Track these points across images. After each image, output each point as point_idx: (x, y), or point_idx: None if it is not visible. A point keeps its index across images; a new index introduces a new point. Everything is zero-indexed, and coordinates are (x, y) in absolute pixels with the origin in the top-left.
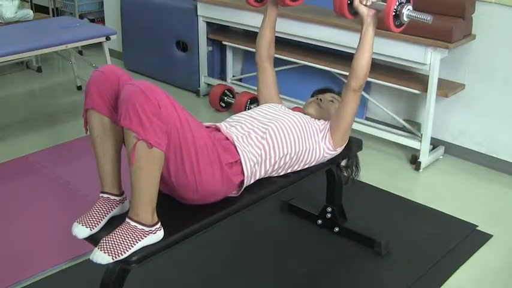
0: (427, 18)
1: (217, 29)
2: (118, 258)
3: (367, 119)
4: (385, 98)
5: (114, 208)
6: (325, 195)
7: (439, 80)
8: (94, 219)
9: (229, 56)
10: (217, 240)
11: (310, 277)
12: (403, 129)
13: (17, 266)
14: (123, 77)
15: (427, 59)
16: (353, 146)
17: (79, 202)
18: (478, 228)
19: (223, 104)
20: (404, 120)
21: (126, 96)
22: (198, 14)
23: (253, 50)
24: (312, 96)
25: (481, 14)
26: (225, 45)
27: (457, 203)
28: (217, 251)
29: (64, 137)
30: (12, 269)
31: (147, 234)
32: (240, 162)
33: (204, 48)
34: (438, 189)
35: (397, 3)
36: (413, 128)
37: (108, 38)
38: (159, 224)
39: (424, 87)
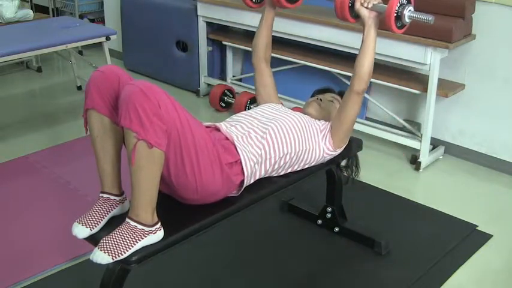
0: (429, 18)
1: (217, 29)
2: (118, 258)
3: (367, 119)
4: (385, 98)
5: (114, 208)
6: (325, 195)
7: (439, 80)
8: (94, 219)
9: (229, 56)
10: (217, 240)
11: (310, 277)
12: (403, 129)
13: (17, 266)
14: (123, 77)
15: (427, 59)
16: (353, 146)
17: (79, 202)
18: (478, 228)
19: (223, 104)
20: (404, 120)
21: (127, 96)
22: (198, 14)
23: None
24: (312, 96)
25: (481, 14)
26: (225, 45)
27: (457, 203)
28: (217, 251)
29: (64, 137)
30: (12, 269)
31: (147, 234)
32: (240, 162)
33: (204, 48)
34: (438, 189)
35: (398, 5)
36: (413, 128)
37: (108, 38)
38: (159, 224)
39: (424, 87)
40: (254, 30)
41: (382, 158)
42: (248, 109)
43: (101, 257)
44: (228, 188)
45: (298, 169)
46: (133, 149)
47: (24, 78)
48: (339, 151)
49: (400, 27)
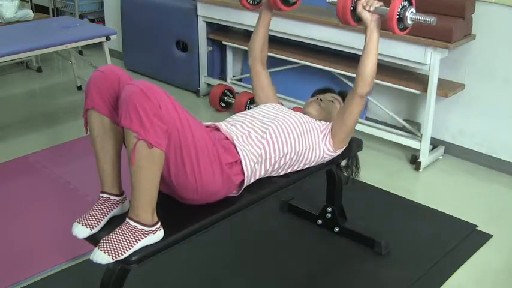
0: (431, 20)
1: (217, 29)
2: (118, 258)
3: (367, 119)
4: (385, 98)
5: (114, 208)
6: (325, 195)
7: (439, 80)
8: (94, 219)
9: (229, 56)
10: (217, 240)
11: (310, 277)
12: (403, 129)
13: (17, 266)
14: (123, 77)
15: (427, 59)
16: (353, 146)
17: (79, 202)
18: (478, 228)
19: (223, 104)
20: (404, 120)
21: (127, 96)
22: (198, 14)
23: None
24: (312, 96)
25: (481, 14)
26: (225, 45)
27: (457, 203)
28: (217, 251)
29: (64, 137)
30: (12, 269)
31: (147, 234)
32: (240, 162)
33: (204, 48)
34: (438, 189)
35: (400, 7)
36: (413, 128)
37: (108, 38)
38: (159, 224)
39: (424, 87)
40: None
41: (382, 158)
42: (248, 109)
43: (101, 257)
44: (228, 188)
45: (298, 169)
46: (133, 149)
47: (24, 78)
48: (339, 152)
49: (402, 29)
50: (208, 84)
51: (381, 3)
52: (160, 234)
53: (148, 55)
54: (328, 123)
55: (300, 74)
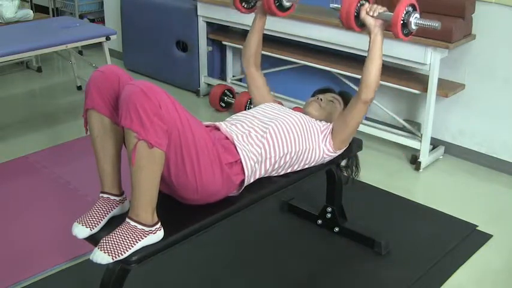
0: (435, 24)
1: (217, 29)
2: (118, 258)
3: (367, 119)
4: (385, 98)
5: (114, 208)
6: (325, 195)
7: (439, 80)
8: (94, 219)
9: (229, 56)
10: (217, 240)
11: (310, 277)
12: (403, 129)
13: (17, 266)
14: (123, 77)
15: (427, 59)
16: (353, 146)
17: (79, 202)
18: (478, 228)
19: (223, 104)
20: (404, 120)
21: (127, 96)
22: (198, 14)
23: None
24: (313, 96)
25: (481, 14)
26: (225, 45)
27: (457, 203)
28: (217, 251)
29: (64, 137)
30: (12, 269)
31: (147, 234)
32: (240, 161)
33: (204, 48)
34: (438, 189)
35: (405, 12)
36: (413, 128)
37: (108, 38)
38: (159, 224)
39: (424, 87)
40: None
41: (382, 158)
42: (248, 109)
43: (101, 257)
44: (228, 188)
45: (298, 169)
46: (133, 149)
47: (24, 78)
48: (339, 152)
49: (406, 35)
50: (208, 84)
51: (385, 8)
52: (160, 234)
53: (148, 55)
54: (329, 123)
55: (300, 74)
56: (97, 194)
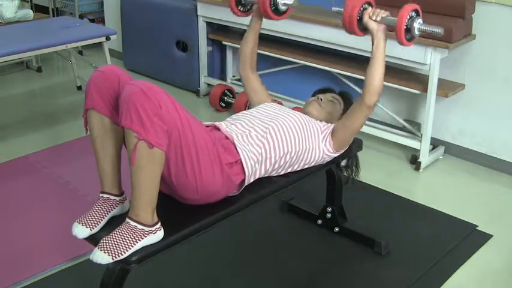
0: (438, 30)
1: (217, 29)
2: (118, 258)
3: (367, 119)
4: (385, 98)
5: (114, 208)
6: (325, 195)
7: (439, 80)
8: (94, 219)
9: (229, 56)
10: (217, 240)
11: (310, 277)
12: (403, 129)
13: (17, 266)
14: (123, 77)
15: (427, 59)
16: (353, 146)
17: (79, 202)
18: (478, 228)
19: (223, 104)
20: (404, 120)
21: (127, 96)
22: (198, 14)
23: None
24: (313, 96)
25: (481, 14)
26: (225, 45)
27: (457, 203)
28: (217, 251)
29: (64, 137)
30: (12, 269)
31: (147, 234)
32: (240, 161)
33: (204, 48)
34: (438, 189)
35: (408, 18)
36: (413, 128)
37: (108, 38)
38: (159, 224)
39: (424, 87)
40: None
41: (382, 158)
42: (248, 109)
43: (101, 257)
44: (228, 188)
45: (298, 169)
46: (133, 149)
47: (24, 78)
48: (339, 153)
49: (409, 40)
50: (208, 84)
51: (388, 13)
52: (160, 234)
53: (148, 55)
54: (329, 124)
55: (300, 74)
56: (97, 194)
